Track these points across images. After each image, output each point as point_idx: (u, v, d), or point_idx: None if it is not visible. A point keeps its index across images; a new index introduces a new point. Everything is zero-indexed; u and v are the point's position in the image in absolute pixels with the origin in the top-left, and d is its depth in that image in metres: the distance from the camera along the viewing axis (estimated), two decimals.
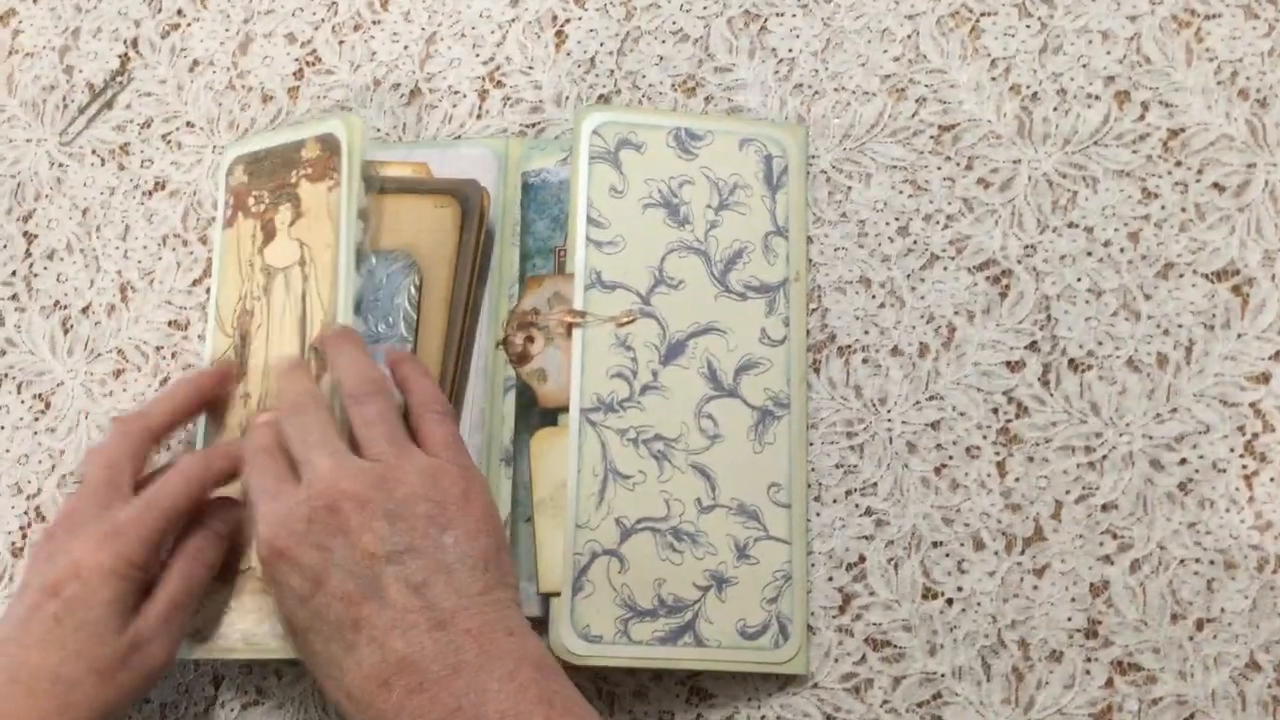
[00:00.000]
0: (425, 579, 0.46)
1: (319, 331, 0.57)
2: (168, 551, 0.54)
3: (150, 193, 0.67)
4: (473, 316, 0.60)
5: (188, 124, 0.68)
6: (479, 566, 0.47)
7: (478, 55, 0.67)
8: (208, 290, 0.65)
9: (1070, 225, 0.60)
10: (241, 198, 0.62)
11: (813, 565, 0.57)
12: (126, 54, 0.70)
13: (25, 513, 0.64)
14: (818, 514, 0.58)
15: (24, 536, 0.64)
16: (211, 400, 0.58)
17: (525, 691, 0.44)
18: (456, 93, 0.66)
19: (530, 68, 0.66)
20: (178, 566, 0.53)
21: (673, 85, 0.65)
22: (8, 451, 0.65)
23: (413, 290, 0.59)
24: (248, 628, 0.55)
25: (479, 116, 0.66)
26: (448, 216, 0.60)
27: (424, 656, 0.44)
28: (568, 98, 0.65)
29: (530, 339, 0.59)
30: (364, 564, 0.46)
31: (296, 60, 0.68)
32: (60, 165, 0.68)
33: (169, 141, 0.68)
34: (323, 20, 0.68)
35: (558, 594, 0.55)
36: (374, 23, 0.68)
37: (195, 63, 0.69)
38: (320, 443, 0.50)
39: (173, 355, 0.64)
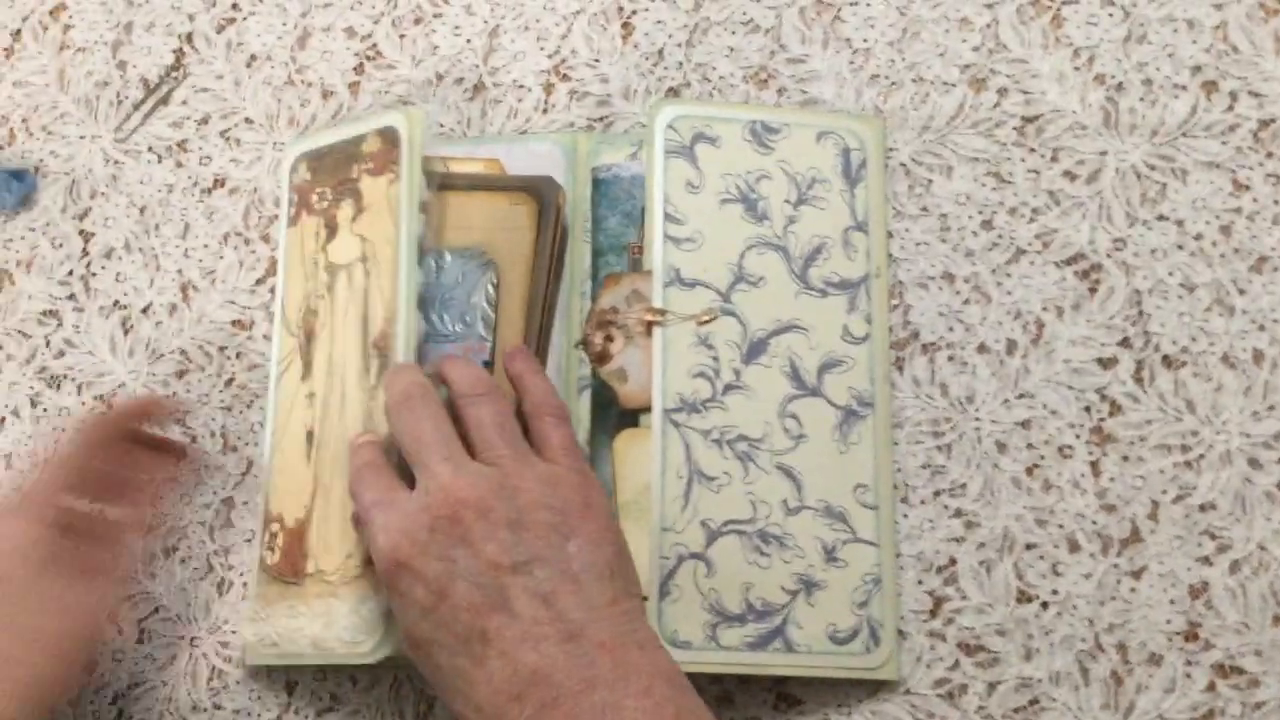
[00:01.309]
0: (553, 589, 0.44)
1: (380, 328, 0.56)
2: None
3: (209, 190, 0.66)
4: (550, 316, 0.58)
5: (246, 120, 0.66)
6: (605, 576, 0.46)
7: (542, 48, 0.65)
8: (271, 290, 0.64)
9: (1160, 218, 0.58)
10: (305, 195, 0.61)
11: (901, 568, 0.56)
12: (181, 49, 0.68)
13: None
14: (905, 515, 0.57)
15: None
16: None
17: (661, 709, 0.42)
18: (521, 87, 0.65)
19: (597, 60, 0.65)
20: (113, 524, 0.54)
21: (744, 77, 0.63)
22: None
23: (490, 289, 0.58)
24: (316, 632, 0.54)
25: (545, 111, 0.64)
26: (524, 214, 0.59)
27: (557, 670, 0.42)
28: (636, 91, 0.64)
29: (610, 338, 0.57)
30: (489, 574, 0.44)
31: (356, 55, 0.67)
32: (116, 162, 0.67)
33: (227, 138, 0.66)
34: (383, 14, 0.67)
35: (645, 599, 0.54)
36: (435, 16, 0.66)
37: (252, 57, 0.67)
38: (436, 444, 0.48)
39: (237, 355, 0.63)
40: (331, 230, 0.59)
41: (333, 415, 0.57)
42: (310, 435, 0.57)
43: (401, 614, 0.47)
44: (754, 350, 0.57)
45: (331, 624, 0.53)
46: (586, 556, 0.46)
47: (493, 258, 0.58)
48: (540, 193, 0.59)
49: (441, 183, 0.59)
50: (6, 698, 0.48)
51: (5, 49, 0.70)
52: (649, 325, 0.57)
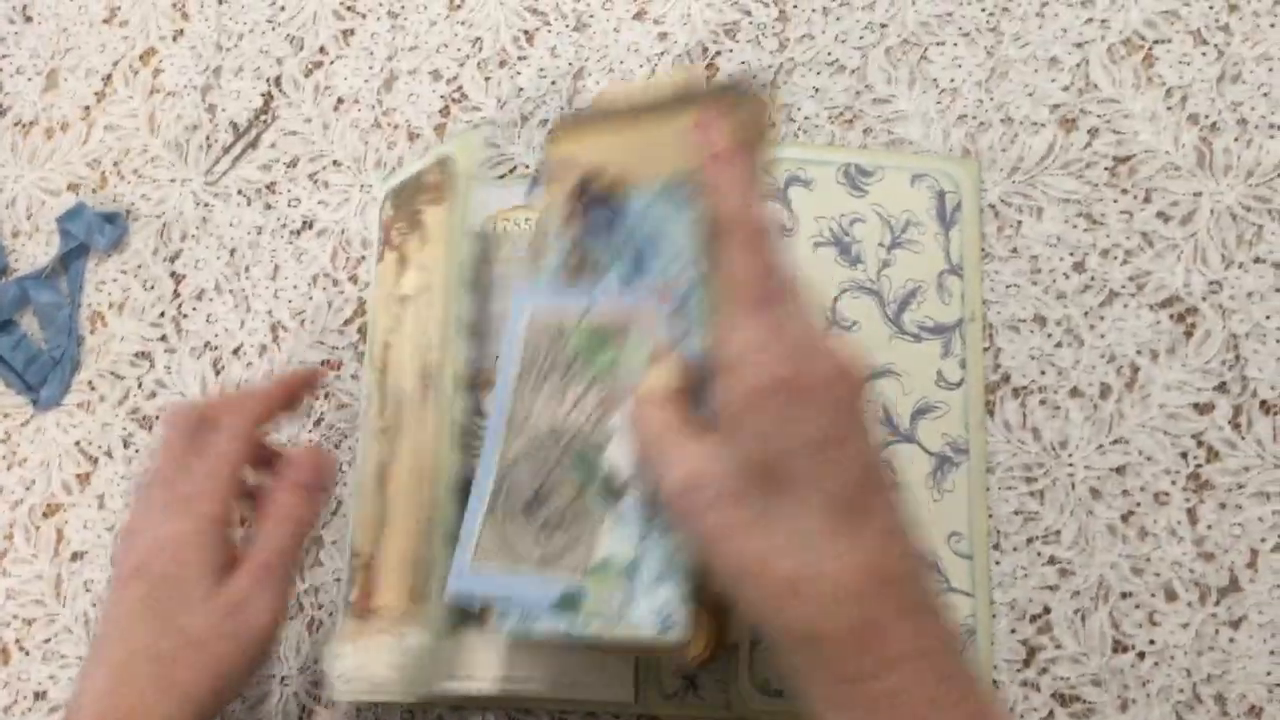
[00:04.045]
0: (893, 503, 0.40)
1: (431, 357, 0.56)
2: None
3: (298, 232, 0.67)
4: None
5: (334, 163, 0.67)
6: None
7: None
8: (359, 330, 0.65)
9: (1256, 260, 0.57)
10: (388, 231, 0.62)
11: (994, 616, 0.55)
12: (270, 92, 0.69)
13: None
14: (997, 562, 0.56)
15: None
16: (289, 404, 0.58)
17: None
18: (480, 125, 0.65)
19: None
20: (264, 524, 0.52)
21: (830, 118, 0.63)
22: None
23: (697, 220, 0.47)
24: (378, 668, 0.54)
25: None
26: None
27: (917, 578, 0.39)
28: None
29: None
30: (878, 455, 0.40)
31: (442, 97, 0.67)
32: (206, 205, 0.68)
33: (315, 180, 0.67)
34: (468, 56, 0.67)
35: (736, 645, 0.54)
36: (520, 58, 0.67)
37: (340, 100, 0.68)
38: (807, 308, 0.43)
39: (325, 395, 0.64)
40: (404, 263, 0.60)
41: (397, 449, 0.57)
42: (381, 470, 0.58)
43: (772, 436, 0.39)
44: None
45: (382, 659, 0.54)
46: None
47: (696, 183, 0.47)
48: (746, 97, 0.47)
49: (635, 107, 0.50)
50: (172, 701, 0.48)
51: (97, 93, 0.71)
52: None
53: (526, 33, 0.67)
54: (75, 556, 0.64)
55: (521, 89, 0.67)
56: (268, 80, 0.69)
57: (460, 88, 0.67)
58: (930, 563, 0.42)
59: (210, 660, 0.49)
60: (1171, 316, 0.58)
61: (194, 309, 0.67)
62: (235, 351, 0.66)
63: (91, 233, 0.68)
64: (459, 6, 0.68)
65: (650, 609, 0.44)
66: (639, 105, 0.50)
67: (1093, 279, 0.59)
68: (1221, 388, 0.56)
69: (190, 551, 0.50)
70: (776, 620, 0.39)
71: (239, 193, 0.68)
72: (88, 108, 0.71)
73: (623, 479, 0.46)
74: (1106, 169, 0.60)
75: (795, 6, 0.65)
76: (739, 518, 0.39)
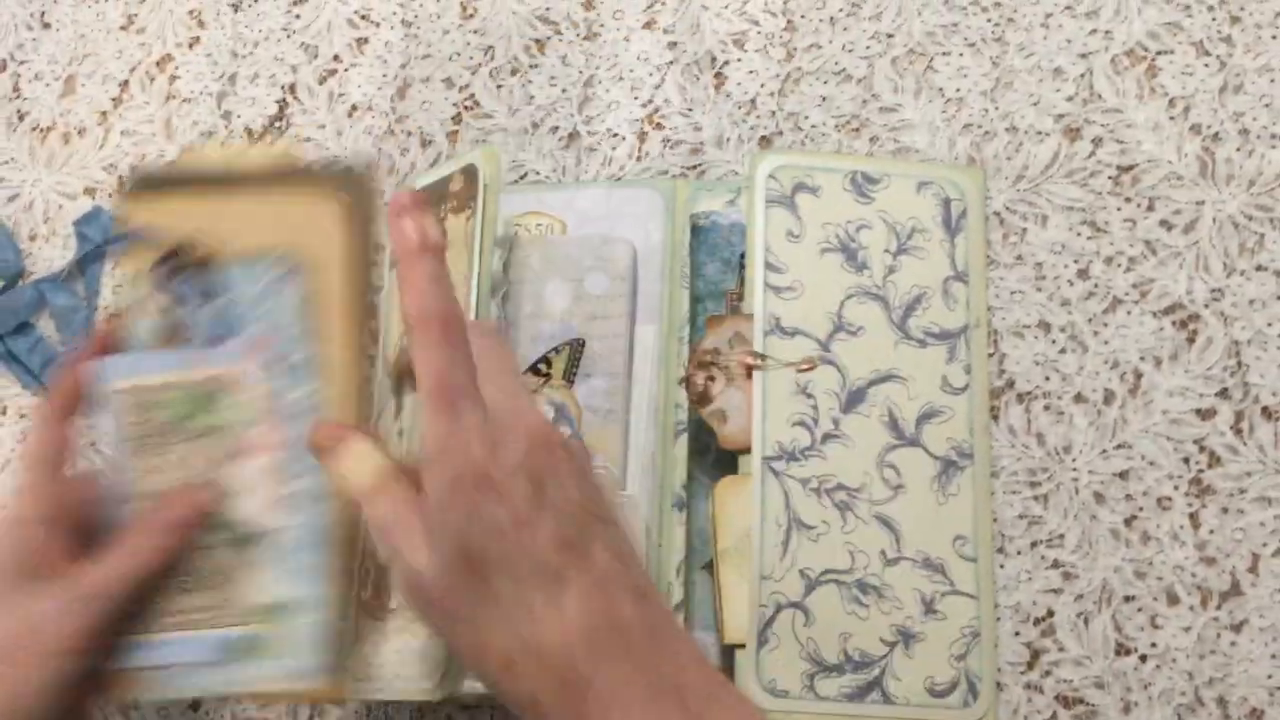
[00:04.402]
0: (621, 549, 0.42)
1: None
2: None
3: None
4: (372, 315, 0.53)
5: None
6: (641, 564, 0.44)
7: (636, 98, 0.66)
8: (372, 334, 0.65)
9: (1258, 268, 0.58)
10: None
11: (998, 619, 0.56)
12: (284, 99, 0.70)
13: None
14: (1001, 566, 0.57)
15: None
16: None
17: (715, 674, 0.42)
18: (615, 135, 0.66)
19: (690, 110, 0.66)
20: (109, 552, 0.49)
21: (836, 126, 0.64)
22: None
23: (300, 295, 0.51)
24: (393, 667, 0.55)
25: (638, 159, 0.65)
26: (333, 213, 0.52)
27: (630, 622, 0.41)
28: (729, 139, 0.65)
29: (711, 379, 0.58)
30: (579, 515, 0.42)
31: (454, 105, 0.68)
32: None
33: None
34: (480, 65, 0.68)
35: (742, 646, 0.55)
36: (531, 67, 0.68)
37: (354, 108, 0.69)
38: (507, 374, 0.45)
39: None
40: None
41: (412, 450, 0.58)
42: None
43: (465, 530, 0.41)
44: (853, 399, 0.57)
45: (404, 660, 0.54)
46: (626, 539, 0.44)
47: (299, 261, 0.51)
48: (351, 183, 0.51)
49: (229, 180, 0.53)
50: None
51: (114, 99, 0.72)
52: (749, 369, 0.58)
53: (538, 41, 0.68)
54: None
55: (533, 97, 0.67)
56: (283, 87, 0.70)
57: (472, 95, 0.68)
58: (661, 595, 0.44)
59: (42, 680, 0.46)
60: (1174, 323, 0.58)
61: None
62: None
63: (108, 236, 0.68)
64: (471, 15, 0.69)
65: (297, 657, 0.49)
66: (231, 175, 0.52)
67: (1096, 286, 0.59)
68: (1223, 394, 0.57)
69: (6, 540, 0.48)
70: (503, 695, 0.41)
71: None
72: (105, 113, 0.72)
73: (253, 527, 0.50)
74: (1110, 178, 0.61)
75: (803, 16, 0.66)
76: (456, 610, 0.42)
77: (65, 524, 0.50)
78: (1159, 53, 0.62)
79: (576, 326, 0.61)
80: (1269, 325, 0.57)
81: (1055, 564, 0.56)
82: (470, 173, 0.59)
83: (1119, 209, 0.60)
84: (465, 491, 0.41)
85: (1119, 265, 0.59)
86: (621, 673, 0.40)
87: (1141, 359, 0.58)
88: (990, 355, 0.59)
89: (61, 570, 0.48)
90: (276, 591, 0.50)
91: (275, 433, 0.51)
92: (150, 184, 0.54)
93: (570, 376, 0.61)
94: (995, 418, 0.58)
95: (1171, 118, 0.61)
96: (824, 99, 0.65)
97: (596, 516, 0.43)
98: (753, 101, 0.65)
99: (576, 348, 0.61)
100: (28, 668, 0.46)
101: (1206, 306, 0.58)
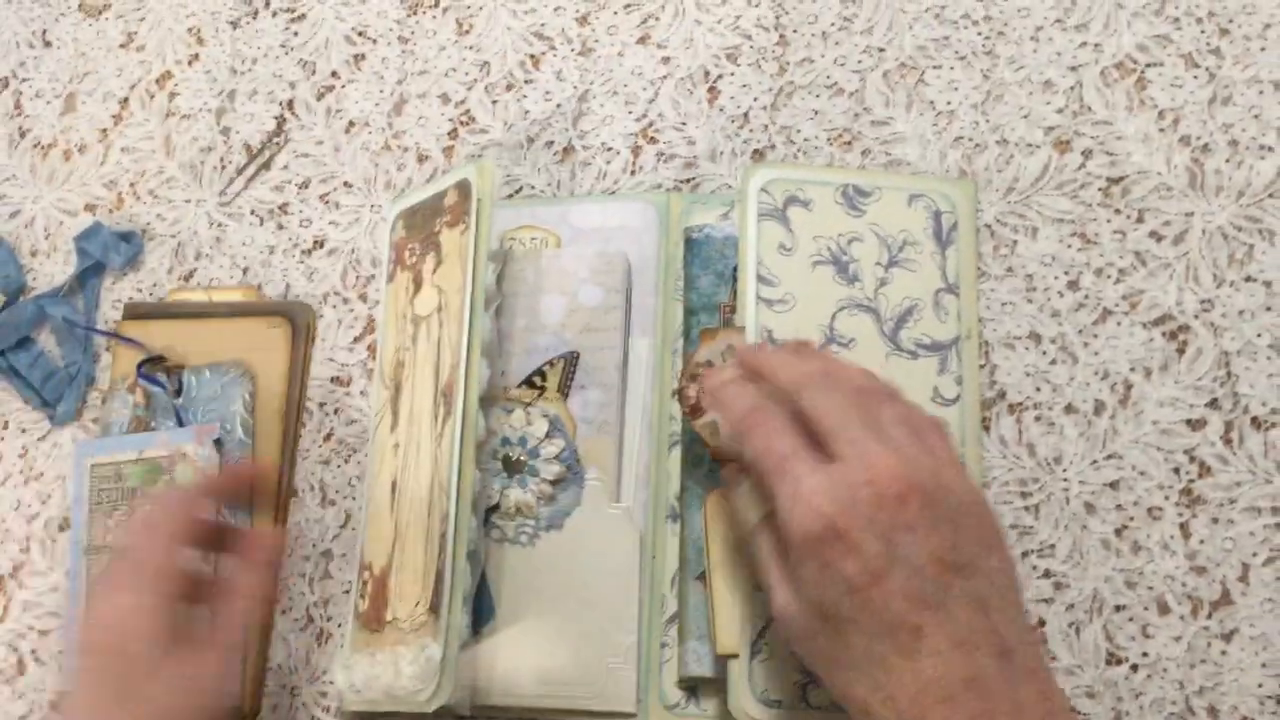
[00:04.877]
0: (986, 600, 0.42)
1: (447, 376, 0.58)
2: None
3: (309, 251, 0.68)
4: (300, 421, 0.66)
5: (345, 184, 0.69)
6: (1017, 601, 0.43)
7: (630, 112, 0.67)
8: (368, 347, 0.66)
9: (1248, 279, 0.59)
10: (400, 251, 0.63)
11: None
12: (283, 115, 0.71)
13: None
14: None
15: None
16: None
17: None
18: (610, 149, 0.67)
19: (683, 124, 0.66)
20: (227, 602, 0.55)
21: (828, 139, 0.65)
22: None
23: (247, 397, 0.65)
24: (389, 679, 0.55)
25: (633, 173, 0.66)
26: (280, 335, 0.66)
27: (990, 682, 0.40)
28: (722, 153, 0.65)
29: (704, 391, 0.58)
30: (933, 568, 0.41)
31: (450, 120, 0.69)
32: (219, 225, 0.70)
33: (327, 201, 0.69)
34: (475, 80, 0.69)
35: (735, 656, 0.55)
36: (526, 81, 0.68)
37: (351, 123, 0.70)
38: (863, 420, 0.44)
39: (335, 411, 0.65)
40: (418, 284, 0.61)
41: (410, 464, 0.59)
42: (394, 485, 0.59)
43: (818, 583, 0.43)
44: None
45: (399, 671, 0.55)
46: (1005, 577, 0.43)
47: (249, 370, 0.66)
48: (294, 316, 0.67)
49: (203, 310, 0.67)
50: None
51: (114, 116, 0.73)
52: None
53: (533, 57, 0.69)
54: None
55: (528, 112, 0.68)
56: (280, 104, 0.71)
57: (468, 111, 0.69)
58: (1032, 642, 0.43)
59: None
60: (1164, 334, 0.59)
61: None
62: None
63: (108, 252, 0.69)
64: (467, 32, 0.70)
65: None
66: (204, 307, 0.67)
67: (1086, 297, 0.60)
68: (1213, 404, 0.57)
69: (140, 622, 0.51)
70: None
71: (252, 213, 0.69)
72: (105, 130, 0.73)
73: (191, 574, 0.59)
74: (1100, 189, 0.61)
75: (795, 31, 0.66)
76: (816, 650, 0.44)
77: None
78: (1148, 65, 0.62)
79: (571, 339, 0.62)
80: (1258, 336, 0.58)
81: (1046, 574, 0.57)
82: (464, 187, 0.60)
83: (1109, 220, 0.60)
84: (816, 548, 0.43)
85: (1109, 276, 0.60)
86: None
87: (1132, 370, 0.58)
88: (981, 367, 0.60)
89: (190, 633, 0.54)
90: None
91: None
92: (142, 313, 0.68)
93: (565, 389, 0.61)
94: (986, 429, 0.59)
95: (1161, 129, 0.61)
96: (816, 113, 0.65)
97: (953, 567, 0.42)
98: (745, 115, 0.66)
99: (571, 360, 0.61)
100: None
101: (1196, 317, 0.58)
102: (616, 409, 0.61)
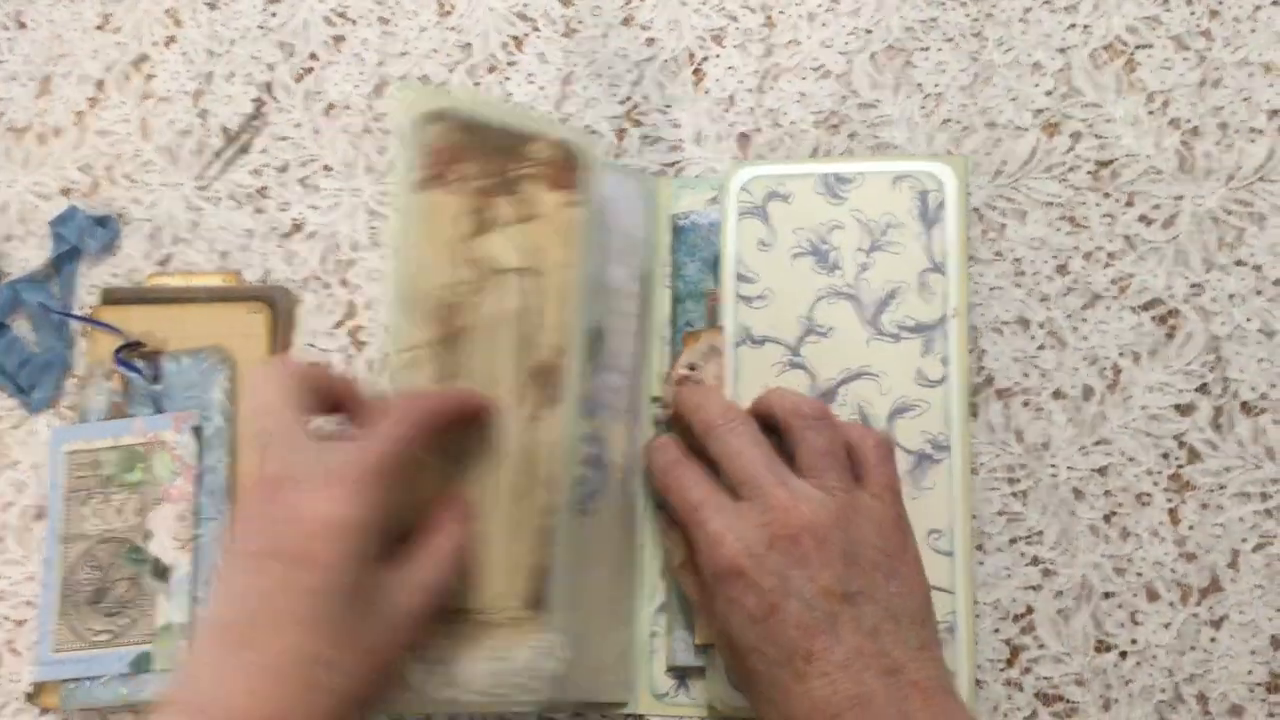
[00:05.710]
0: (876, 624, 0.46)
1: (545, 358, 0.52)
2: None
3: (288, 235, 0.67)
4: None
5: (325, 167, 0.68)
6: (917, 621, 0.47)
7: (614, 94, 0.66)
8: (350, 333, 0.65)
9: (1237, 263, 0.58)
10: (443, 164, 0.54)
11: (978, 616, 0.56)
12: (261, 98, 0.70)
13: None
14: (981, 563, 0.56)
15: None
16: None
17: None
18: (594, 132, 0.66)
19: (668, 106, 0.65)
20: (433, 544, 0.47)
21: (815, 122, 0.64)
22: None
23: (226, 383, 0.64)
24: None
25: (617, 156, 0.65)
26: (260, 321, 0.65)
27: (875, 699, 0.44)
28: (707, 136, 0.65)
29: None
30: (821, 599, 0.46)
31: None
32: (197, 209, 0.69)
33: (306, 185, 0.68)
34: (457, 62, 0.68)
35: (712, 645, 0.54)
36: (509, 64, 0.68)
37: (330, 106, 0.69)
38: (768, 465, 0.50)
39: None
40: (481, 224, 0.54)
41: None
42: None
43: (725, 617, 0.48)
44: (823, 400, 0.57)
45: (507, 667, 0.50)
46: (904, 599, 0.47)
47: (228, 356, 0.64)
48: (274, 301, 0.66)
49: (182, 296, 0.66)
50: (322, 711, 0.42)
51: (90, 99, 0.72)
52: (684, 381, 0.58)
53: (515, 39, 0.68)
54: None
55: (510, 94, 0.67)
56: (259, 86, 0.70)
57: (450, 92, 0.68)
58: (925, 660, 0.47)
59: (362, 668, 0.43)
60: (1153, 319, 0.58)
61: None
62: None
63: (83, 236, 0.68)
64: (449, 12, 0.69)
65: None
66: (183, 292, 0.66)
67: (1075, 281, 0.59)
68: (1203, 389, 0.57)
69: (353, 542, 0.43)
70: None
71: (230, 197, 0.68)
72: (81, 113, 0.71)
73: (168, 560, 0.62)
74: (1089, 173, 0.60)
75: (781, 12, 0.66)
76: (738, 677, 0.52)
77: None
78: (1138, 47, 0.62)
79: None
80: (1248, 320, 0.57)
81: (1034, 560, 0.56)
82: (568, 150, 0.54)
83: (1098, 204, 0.60)
84: (723, 585, 0.48)
85: (1098, 261, 0.59)
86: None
87: (1121, 354, 0.58)
88: (970, 351, 0.59)
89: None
90: (170, 615, 0.61)
91: (190, 486, 0.63)
92: (119, 298, 0.67)
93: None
94: (975, 414, 0.58)
95: (1150, 112, 0.61)
96: (803, 95, 0.64)
97: (843, 597, 0.46)
98: (731, 98, 0.65)
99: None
100: (390, 676, 0.46)
101: (1186, 302, 0.58)
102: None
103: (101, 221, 0.69)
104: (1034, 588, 0.56)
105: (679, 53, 0.66)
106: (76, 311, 0.68)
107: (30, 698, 0.63)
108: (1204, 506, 0.55)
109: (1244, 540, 0.55)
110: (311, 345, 0.65)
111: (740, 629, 0.47)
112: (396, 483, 0.45)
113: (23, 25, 0.74)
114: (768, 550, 0.47)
